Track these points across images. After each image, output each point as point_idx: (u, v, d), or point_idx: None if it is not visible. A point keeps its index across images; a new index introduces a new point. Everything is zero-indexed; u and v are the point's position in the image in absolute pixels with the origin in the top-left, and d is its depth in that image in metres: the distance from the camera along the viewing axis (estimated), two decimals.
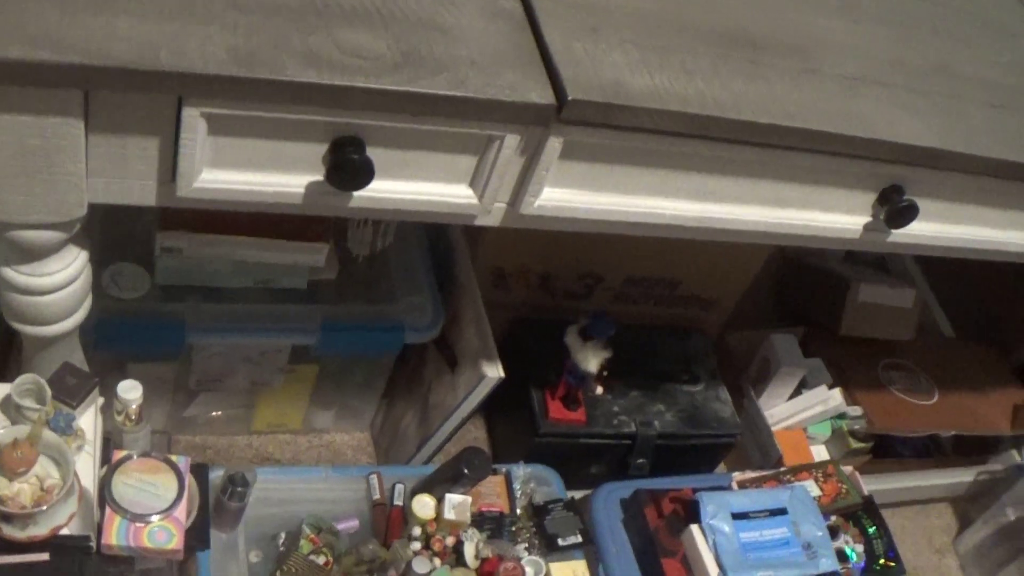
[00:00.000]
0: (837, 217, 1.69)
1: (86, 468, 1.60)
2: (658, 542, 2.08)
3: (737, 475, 2.23)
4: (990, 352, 3.09)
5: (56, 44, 1.19)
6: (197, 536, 1.67)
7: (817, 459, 2.62)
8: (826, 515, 2.18)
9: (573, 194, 1.51)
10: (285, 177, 1.38)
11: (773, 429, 2.58)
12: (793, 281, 3.12)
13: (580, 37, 1.44)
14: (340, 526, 1.93)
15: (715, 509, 2.04)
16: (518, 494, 2.08)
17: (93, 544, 1.56)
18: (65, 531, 1.53)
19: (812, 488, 2.22)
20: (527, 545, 2.02)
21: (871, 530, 2.29)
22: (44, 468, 1.53)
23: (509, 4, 1.47)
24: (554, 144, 1.40)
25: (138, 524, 1.58)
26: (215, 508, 1.83)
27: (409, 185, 1.43)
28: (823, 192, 1.64)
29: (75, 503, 1.53)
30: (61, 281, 1.50)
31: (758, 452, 2.62)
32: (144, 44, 1.21)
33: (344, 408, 2.46)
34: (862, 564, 2.23)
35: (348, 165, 1.34)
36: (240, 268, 2.06)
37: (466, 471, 1.92)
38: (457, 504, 1.92)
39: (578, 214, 1.52)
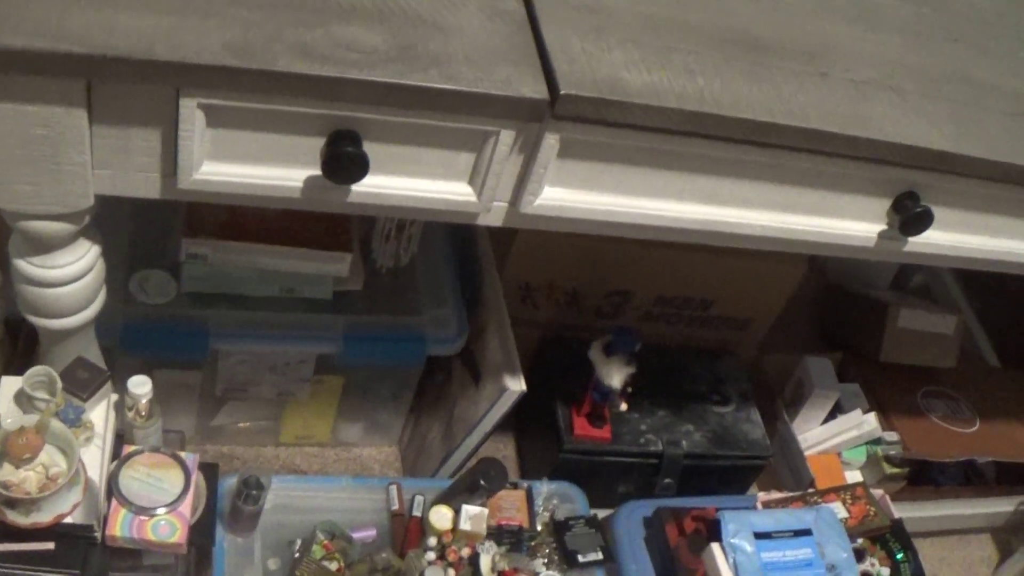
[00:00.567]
0: (850, 224, 1.68)
1: (94, 460, 1.62)
2: (678, 561, 2.07)
3: (762, 495, 2.22)
4: None
5: (57, 34, 1.22)
6: (202, 532, 1.69)
7: None
8: (853, 537, 2.16)
9: (574, 194, 1.51)
10: (284, 171, 1.40)
11: (806, 453, 2.56)
12: (833, 306, 3.10)
13: (580, 36, 1.45)
14: (357, 535, 1.94)
15: (736, 528, 2.03)
16: (540, 510, 2.08)
17: (97, 534, 1.58)
18: (69, 520, 1.55)
19: (839, 510, 2.20)
20: (546, 561, 2.02)
21: (899, 555, 2.26)
22: (51, 457, 1.55)
23: (511, 5, 1.48)
24: (551, 141, 1.41)
25: (142, 517, 1.60)
26: (231, 512, 1.84)
27: (408, 181, 1.44)
28: (835, 198, 1.63)
29: (80, 492, 1.56)
30: (73, 274, 1.53)
31: (790, 475, 2.61)
32: (142, 36, 1.24)
33: (372, 422, 2.47)
34: None
35: (342, 158, 1.35)
36: (265, 276, 2.09)
37: (482, 482, 1.92)
38: (473, 515, 1.93)
39: (579, 214, 1.53)
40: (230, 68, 1.25)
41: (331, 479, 2.05)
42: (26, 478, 1.52)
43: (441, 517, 1.93)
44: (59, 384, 1.61)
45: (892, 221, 1.68)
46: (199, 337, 2.05)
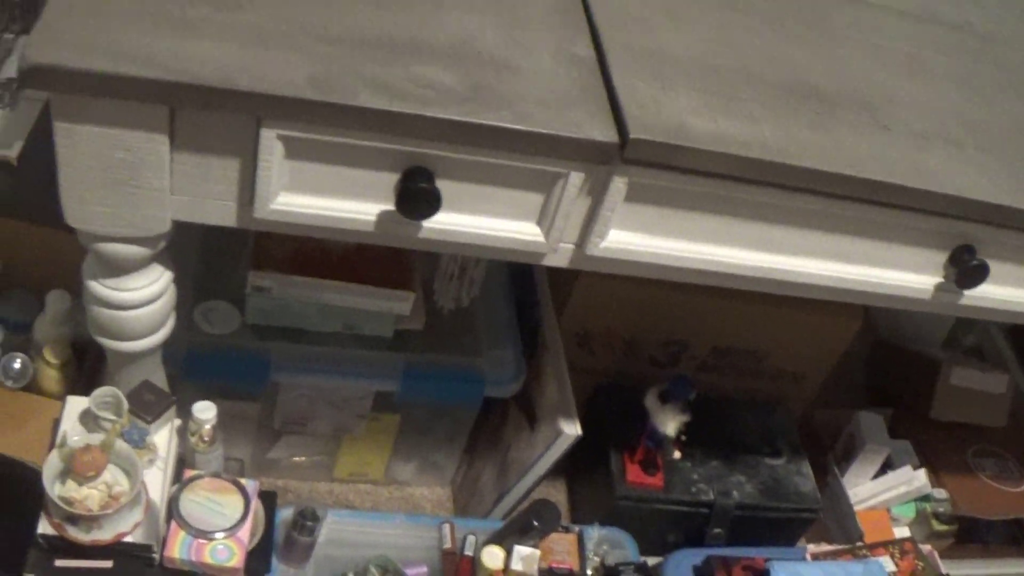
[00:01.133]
0: (907, 275, 1.69)
1: (156, 482, 1.65)
2: None
3: (812, 547, 2.22)
4: None
5: (144, 61, 1.26)
6: (259, 559, 1.71)
7: None
8: None
9: (638, 237, 1.54)
10: (357, 204, 1.43)
11: (856, 508, 2.56)
12: (884, 362, 3.10)
13: (649, 83, 1.48)
14: (409, 572, 1.95)
15: None
16: (590, 555, 2.09)
17: (156, 555, 1.61)
18: (129, 539, 1.58)
19: (888, 564, 2.20)
20: None
21: None
22: (114, 476, 1.58)
23: (582, 51, 1.52)
24: (618, 184, 1.44)
25: (201, 540, 1.63)
26: (286, 542, 1.86)
27: (478, 220, 1.47)
28: (892, 249, 1.64)
29: (141, 512, 1.59)
30: (145, 298, 1.56)
31: (839, 530, 2.60)
32: (227, 66, 1.28)
33: (426, 462, 2.48)
34: None
35: (416, 193, 1.38)
36: (328, 312, 2.11)
37: (535, 523, 1.94)
38: (525, 556, 1.94)
39: (643, 257, 1.55)
40: (312, 101, 1.28)
41: (385, 515, 2.06)
42: (88, 495, 1.55)
43: (493, 557, 1.94)
44: (125, 405, 1.64)
45: (948, 274, 1.70)
46: (260, 369, 2.08)
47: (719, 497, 2.36)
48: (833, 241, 1.62)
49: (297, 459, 2.39)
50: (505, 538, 1.98)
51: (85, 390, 1.71)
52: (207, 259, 2.19)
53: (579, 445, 2.13)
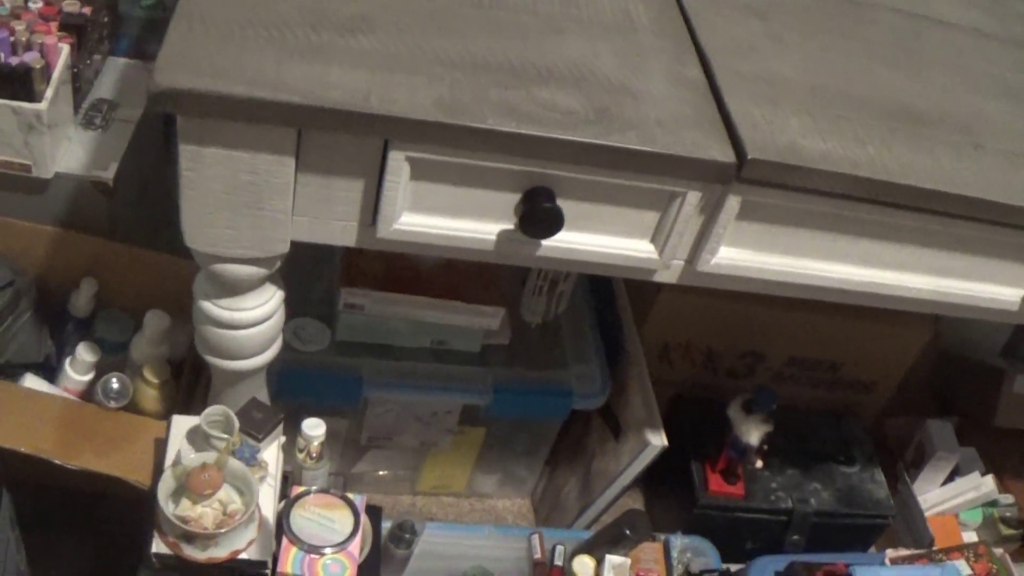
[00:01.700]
0: (998, 289, 1.71)
1: (266, 499, 1.67)
2: None
3: (890, 552, 2.24)
4: None
5: (274, 85, 1.28)
6: (369, 572, 1.72)
7: None
8: None
9: (747, 254, 1.56)
10: (479, 224, 1.46)
11: (926, 513, 2.58)
12: (948, 372, 3.11)
13: (759, 105, 1.50)
14: None
15: None
16: (675, 563, 2.11)
17: (269, 571, 1.63)
18: (243, 556, 1.60)
19: (963, 567, 2.22)
20: None
21: None
22: (227, 494, 1.60)
23: (693, 74, 1.54)
24: (732, 203, 1.46)
25: (313, 555, 1.64)
26: (383, 554, 1.88)
27: (594, 238, 1.50)
28: (983, 263, 1.67)
29: (255, 530, 1.61)
30: (257, 317, 1.59)
31: (910, 535, 2.62)
32: (355, 89, 1.31)
33: (507, 474, 2.51)
34: None
35: (540, 213, 1.40)
36: (417, 328, 2.14)
37: (627, 532, 1.96)
38: (617, 565, 1.96)
39: (751, 274, 1.57)
40: (442, 124, 1.31)
41: (474, 527, 2.08)
42: (203, 514, 1.57)
43: (584, 566, 1.96)
44: (236, 424, 1.66)
45: None
46: (353, 385, 2.11)
47: (798, 505, 2.38)
48: (930, 256, 1.64)
49: (381, 473, 2.41)
50: (595, 548, 1.99)
51: (181, 408, 1.74)
52: (290, 275, 2.21)
53: (659, 455, 2.15)
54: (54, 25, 2.07)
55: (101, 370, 1.99)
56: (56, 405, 1.89)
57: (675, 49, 1.59)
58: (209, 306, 1.57)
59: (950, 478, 2.66)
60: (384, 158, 1.36)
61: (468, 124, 1.31)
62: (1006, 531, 2.68)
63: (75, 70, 2.09)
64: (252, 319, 1.59)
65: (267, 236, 1.44)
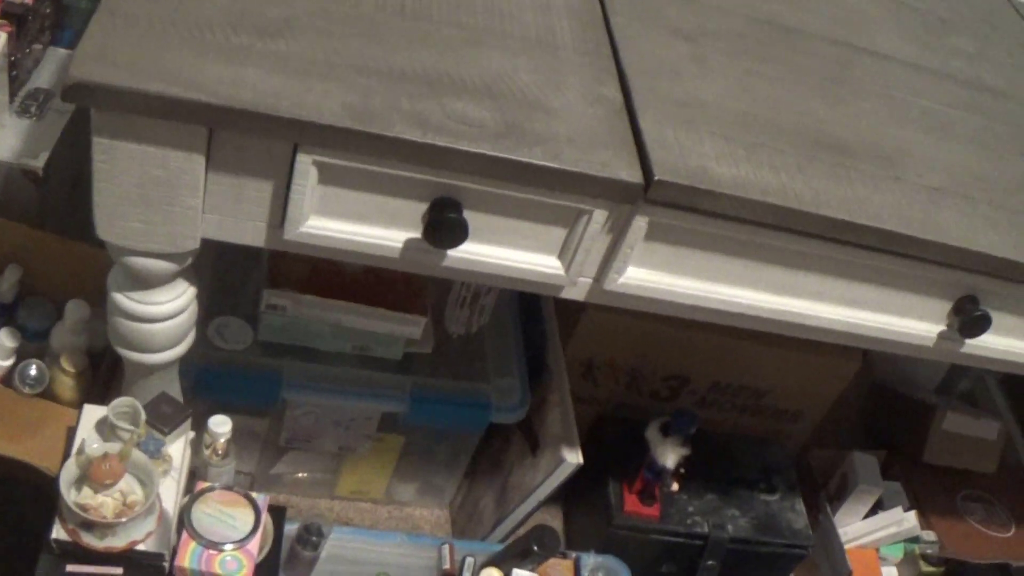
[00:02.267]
0: (912, 323, 1.73)
1: (169, 493, 1.68)
2: None
3: None
4: None
5: (188, 83, 1.29)
6: (267, 571, 1.73)
7: None
8: None
9: (656, 275, 1.57)
10: (385, 231, 1.47)
11: (846, 546, 2.59)
12: (879, 405, 3.13)
13: (673, 127, 1.52)
14: None
15: None
16: None
17: (166, 564, 1.64)
18: (141, 547, 1.60)
19: None
20: None
21: None
22: (129, 485, 1.61)
23: (611, 93, 1.55)
24: (639, 223, 1.47)
25: (211, 551, 1.65)
26: (288, 556, 1.89)
27: (501, 251, 1.51)
28: (899, 297, 1.68)
29: (154, 522, 1.61)
30: (168, 312, 1.59)
31: (829, 567, 2.63)
32: (267, 93, 1.32)
33: (426, 483, 2.51)
34: None
35: (445, 224, 1.41)
36: (339, 332, 2.15)
37: (535, 548, 1.96)
38: None
39: (659, 295, 1.58)
40: (350, 130, 1.32)
41: (386, 534, 2.08)
42: (103, 503, 1.58)
43: None
44: (143, 416, 1.67)
45: (952, 323, 1.73)
46: (272, 386, 2.11)
47: (714, 530, 2.39)
48: (844, 287, 1.66)
49: (300, 475, 2.42)
50: (504, 561, 2.00)
51: (99, 399, 1.74)
52: (220, 275, 2.22)
53: (578, 473, 2.17)
54: None
55: (21, 356, 1.99)
56: None
57: (595, 68, 1.60)
58: (121, 298, 1.58)
59: (873, 512, 2.67)
60: (293, 161, 1.37)
61: (375, 131, 1.33)
62: (926, 568, 2.70)
63: (12, 59, 2.09)
64: (163, 313, 1.59)
65: (178, 232, 1.45)
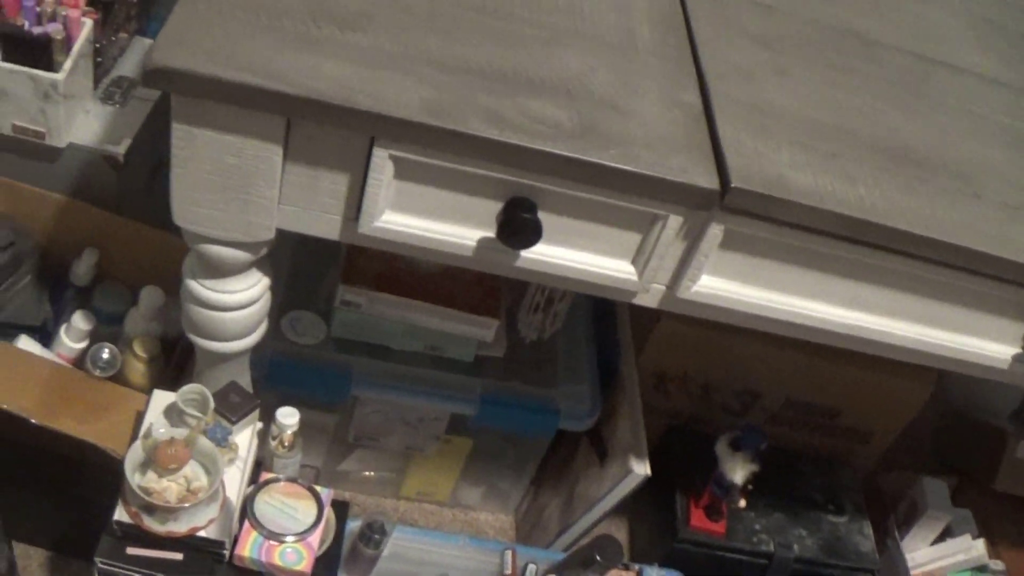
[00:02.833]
0: (986, 344, 1.69)
1: (233, 481, 1.68)
2: None
3: None
4: None
5: (267, 72, 1.30)
6: (326, 565, 1.73)
7: None
8: None
9: (729, 285, 1.56)
10: (459, 229, 1.47)
11: (912, 572, 2.56)
12: (952, 429, 3.09)
13: (751, 134, 1.50)
14: None
15: None
16: None
17: (226, 552, 1.64)
18: (202, 533, 1.61)
19: None
20: None
21: None
22: (194, 472, 1.62)
23: (689, 98, 1.54)
24: (715, 231, 1.46)
25: (272, 542, 1.66)
26: (350, 553, 1.89)
27: (574, 254, 1.50)
28: (974, 316, 1.65)
29: (216, 509, 1.62)
30: (241, 301, 1.60)
31: None
32: (345, 84, 1.32)
33: (492, 488, 2.51)
34: None
35: (519, 224, 1.41)
36: (412, 331, 2.15)
37: (598, 557, 1.95)
38: None
39: (732, 305, 1.56)
40: (426, 125, 1.32)
41: (449, 536, 2.08)
42: (168, 487, 1.59)
43: None
44: (211, 404, 1.67)
45: None
46: (342, 382, 2.11)
47: (779, 549, 2.37)
48: (918, 303, 1.63)
49: (367, 473, 2.42)
50: (565, 570, 1.99)
51: (170, 385, 1.75)
52: (297, 269, 2.24)
53: (646, 485, 2.15)
54: (83, 0, 2.09)
55: (95, 339, 2.01)
56: (45, 368, 1.91)
57: (674, 72, 1.59)
58: (195, 285, 1.59)
59: (941, 538, 2.63)
60: (369, 155, 1.37)
61: (451, 127, 1.32)
62: None
63: (97, 45, 2.12)
64: (236, 302, 1.60)
65: (252, 221, 1.46)
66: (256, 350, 1.76)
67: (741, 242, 1.50)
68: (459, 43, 1.46)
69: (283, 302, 2.17)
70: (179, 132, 1.36)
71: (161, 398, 1.74)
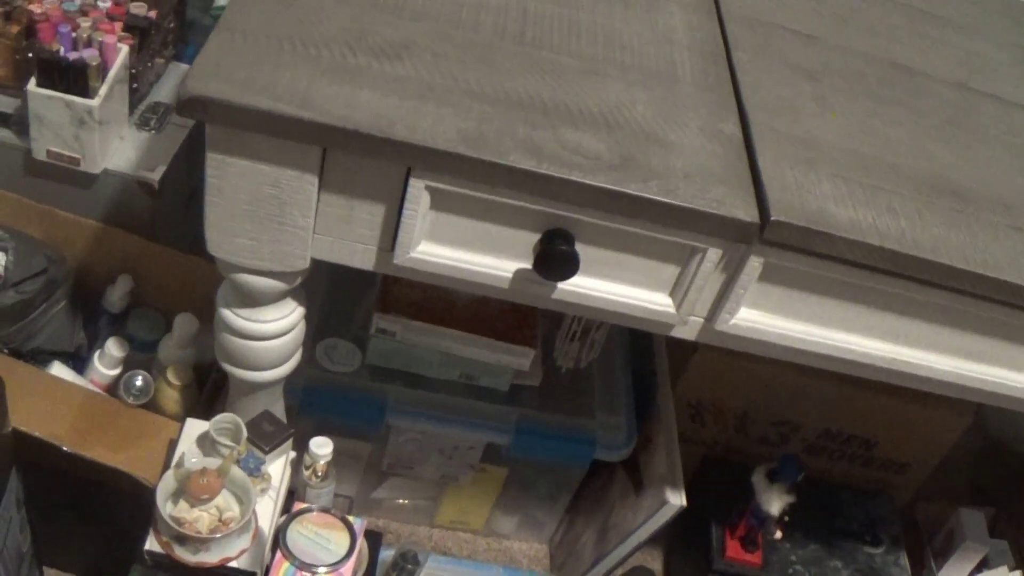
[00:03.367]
0: None
1: (266, 511, 1.68)
2: None
3: None
4: None
5: (302, 102, 1.29)
6: None
7: None
8: None
9: (768, 318, 1.54)
10: (496, 260, 1.45)
11: None
12: (990, 460, 3.07)
13: (792, 166, 1.48)
14: None
15: None
16: None
17: None
18: (233, 564, 1.60)
19: None
20: None
21: None
22: (226, 501, 1.61)
23: (730, 130, 1.53)
24: (754, 263, 1.44)
25: (304, 573, 1.64)
26: None
27: (612, 286, 1.48)
28: (1016, 350, 1.62)
29: (248, 540, 1.61)
30: (275, 331, 1.59)
31: None
32: (381, 115, 1.31)
33: (527, 517, 2.49)
34: None
35: (556, 256, 1.39)
36: (447, 360, 2.13)
37: None
38: None
39: (771, 338, 1.54)
40: (463, 156, 1.30)
41: (483, 566, 2.07)
42: (199, 518, 1.58)
43: None
44: (244, 433, 1.67)
45: None
46: (377, 410, 2.10)
47: None
48: (959, 338, 1.61)
49: (401, 501, 2.41)
50: None
51: (203, 414, 1.75)
52: (332, 296, 2.23)
53: (681, 515, 2.13)
54: (119, 25, 2.10)
55: (128, 366, 2.01)
56: (78, 395, 1.90)
57: (715, 103, 1.57)
58: (229, 314, 1.58)
59: (978, 569, 2.61)
60: (405, 185, 1.36)
61: (488, 158, 1.31)
62: None
63: (133, 71, 2.12)
64: (270, 332, 1.59)
65: (287, 251, 1.45)
66: (290, 378, 1.75)
67: (780, 275, 1.49)
68: (498, 73, 1.45)
69: (318, 329, 2.16)
70: (213, 161, 1.36)
71: (194, 427, 1.73)
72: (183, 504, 1.59)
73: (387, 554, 1.88)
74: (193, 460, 1.61)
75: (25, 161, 2.06)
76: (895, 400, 2.44)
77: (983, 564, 2.58)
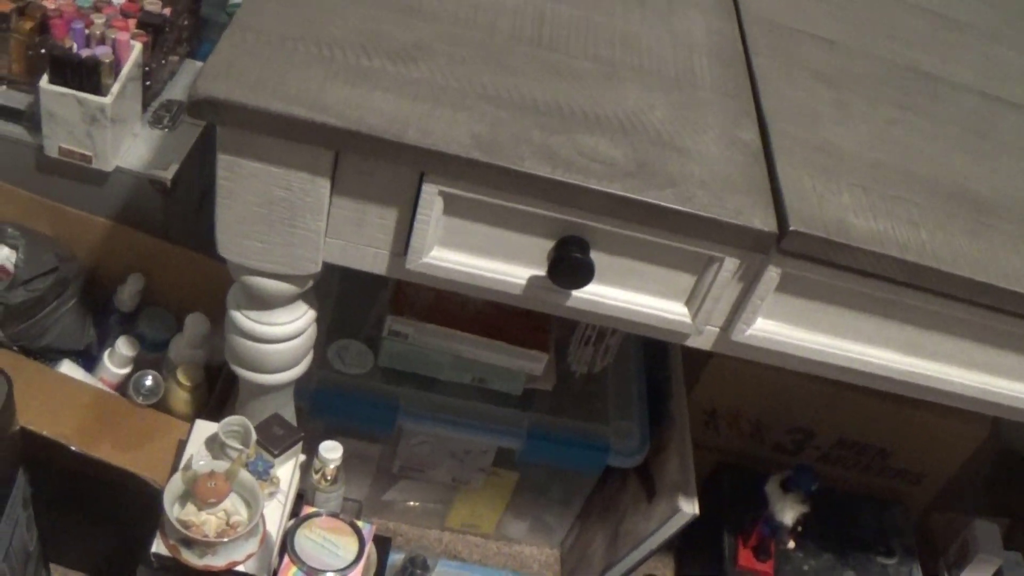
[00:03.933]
0: None
1: (274, 515, 1.66)
2: None
3: None
4: None
5: (314, 104, 1.27)
6: None
7: None
8: None
9: (785, 329, 1.52)
10: (509, 267, 1.43)
11: None
12: (1006, 472, 3.05)
13: (812, 175, 1.46)
14: None
15: None
16: None
17: None
18: (241, 568, 1.58)
19: None
20: None
21: None
22: (234, 505, 1.59)
23: (748, 137, 1.50)
24: (772, 274, 1.42)
25: None
26: None
27: (627, 294, 1.46)
28: None
29: (256, 544, 1.59)
30: (286, 333, 1.58)
31: None
32: (395, 118, 1.29)
33: (538, 522, 2.48)
34: None
35: (571, 263, 1.38)
36: (460, 363, 2.12)
37: None
38: None
39: (788, 349, 1.53)
40: (477, 161, 1.28)
41: (492, 571, 2.06)
42: (206, 521, 1.56)
43: None
44: (253, 436, 1.65)
45: None
46: (388, 412, 2.09)
47: None
48: (978, 351, 1.58)
49: (411, 504, 2.40)
50: None
51: (213, 415, 1.73)
52: (344, 297, 2.21)
53: (693, 522, 2.11)
54: (132, 22, 2.08)
55: (138, 366, 2.00)
56: (87, 394, 1.89)
57: (734, 109, 1.55)
58: (240, 317, 1.56)
59: None
60: (419, 190, 1.34)
61: (503, 164, 1.29)
62: None
63: (147, 69, 2.10)
64: (281, 335, 1.58)
65: (298, 254, 1.43)
66: (302, 380, 1.73)
67: (798, 285, 1.46)
68: (513, 77, 1.43)
69: (330, 330, 2.15)
70: (224, 163, 1.34)
71: (203, 428, 1.72)
72: (190, 507, 1.57)
73: (396, 558, 1.86)
74: (201, 463, 1.60)
75: (37, 158, 2.04)
76: (911, 410, 2.42)
77: (998, 575, 2.57)
